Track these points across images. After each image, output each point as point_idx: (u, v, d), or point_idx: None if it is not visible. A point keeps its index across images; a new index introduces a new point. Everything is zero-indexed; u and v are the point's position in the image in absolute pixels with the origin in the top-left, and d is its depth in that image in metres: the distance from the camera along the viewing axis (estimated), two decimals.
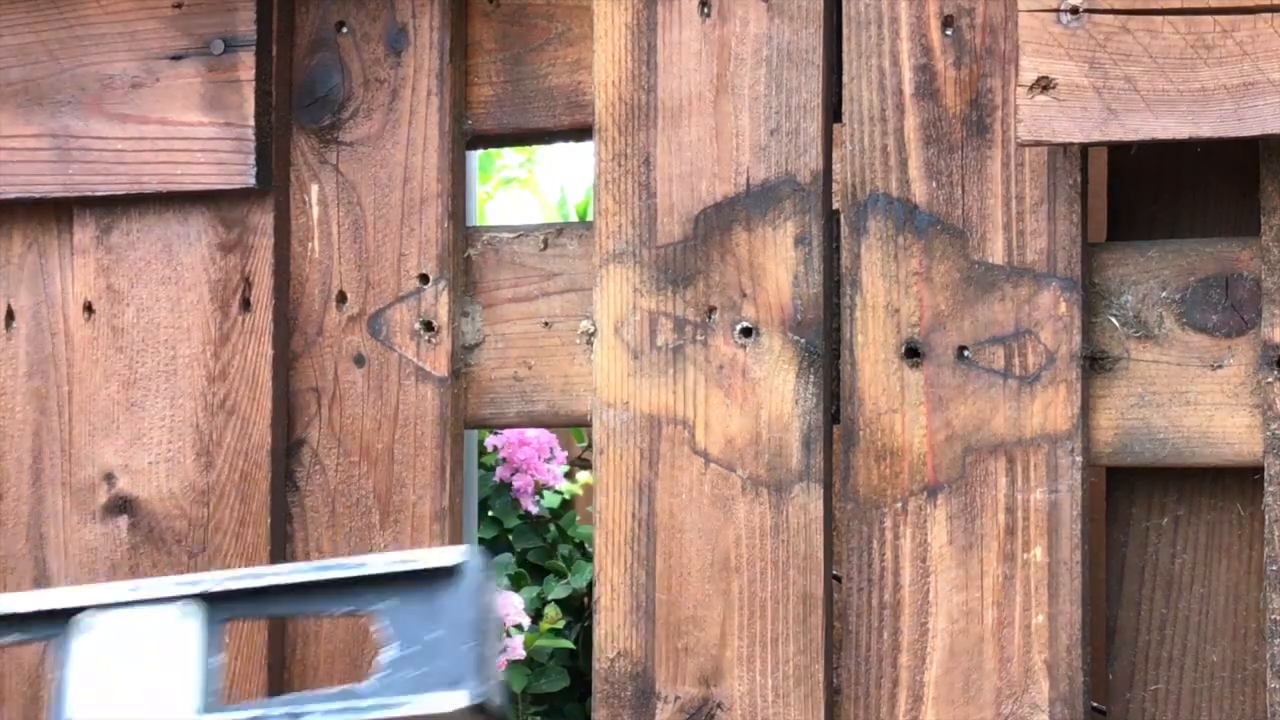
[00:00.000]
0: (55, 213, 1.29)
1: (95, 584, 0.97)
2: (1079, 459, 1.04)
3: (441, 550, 0.91)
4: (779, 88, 1.11)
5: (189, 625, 0.89)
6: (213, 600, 0.90)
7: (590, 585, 2.39)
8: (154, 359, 1.25)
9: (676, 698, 1.11)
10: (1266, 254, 1.01)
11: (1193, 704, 1.08)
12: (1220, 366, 1.03)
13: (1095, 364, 1.05)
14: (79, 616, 0.89)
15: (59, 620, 0.90)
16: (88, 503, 1.26)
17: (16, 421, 1.30)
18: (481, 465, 2.84)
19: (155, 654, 0.89)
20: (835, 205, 1.12)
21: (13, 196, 1.28)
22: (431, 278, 1.19)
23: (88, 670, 0.89)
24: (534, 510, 2.88)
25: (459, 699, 0.89)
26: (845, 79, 1.09)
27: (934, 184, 1.07)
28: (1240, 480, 1.05)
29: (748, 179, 1.11)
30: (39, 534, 1.28)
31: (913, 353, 1.07)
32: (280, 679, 1.23)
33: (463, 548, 0.90)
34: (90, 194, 1.25)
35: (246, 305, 1.23)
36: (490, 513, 2.87)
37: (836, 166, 1.11)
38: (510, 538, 2.88)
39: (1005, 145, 1.06)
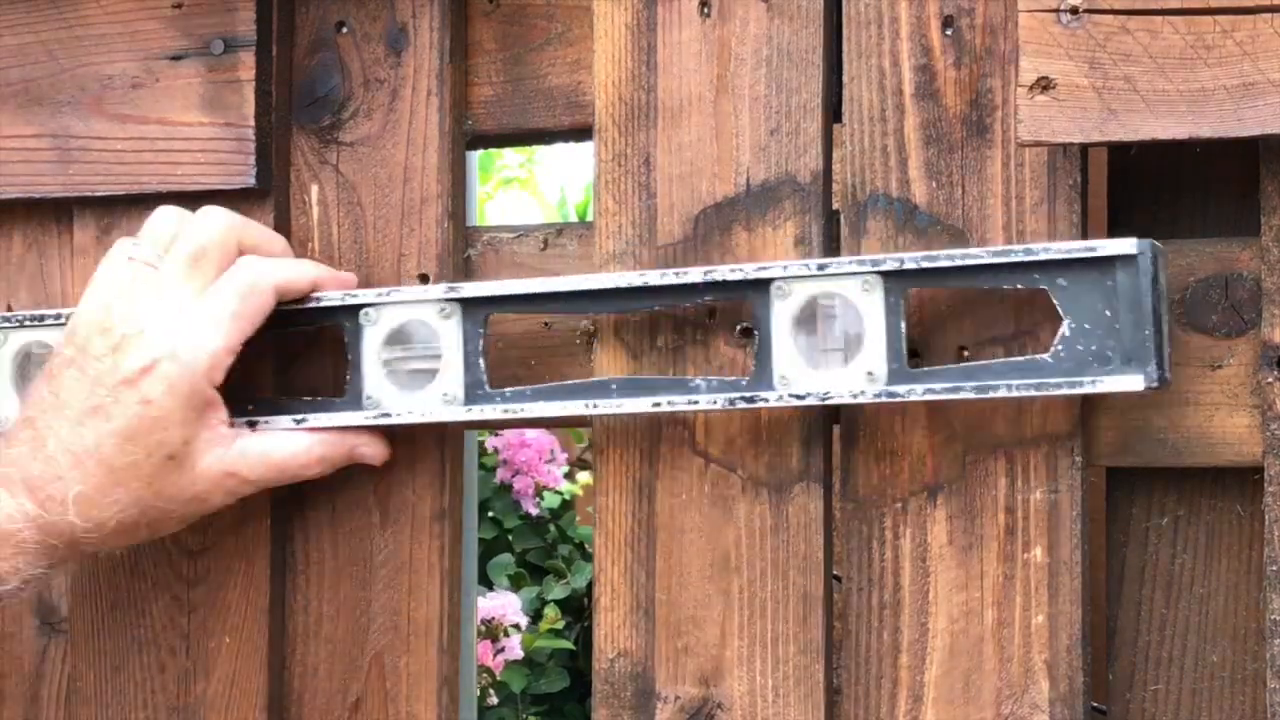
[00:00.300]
0: (55, 213, 1.29)
1: (780, 260, 1.09)
2: (1079, 459, 1.04)
3: (1117, 240, 0.99)
4: (779, 88, 1.11)
5: (873, 296, 1.03)
6: (891, 276, 1.03)
7: (590, 586, 2.39)
8: None
9: (676, 698, 1.11)
10: (1266, 254, 1.01)
11: (1193, 704, 1.08)
12: (1220, 367, 1.03)
13: None
14: (773, 285, 1.05)
15: (760, 287, 1.06)
16: None
17: None
18: (482, 466, 2.84)
19: (844, 319, 1.05)
20: (835, 205, 1.12)
21: (13, 197, 1.28)
22: (431, 277, 1.19)
23: (783, 332, 1.05)
24: (534, 511, 2.89)
25: (1138, 381, 0.98)
26: (845, 79, 1.09)
27: (934, 184, 1.07)
28: (1240, 481, 1.05)
29: (748, 179, 1.11)
30: None
31: (913, 353, 1.07)
32: (280, 679, 1.23)
33: (1135, 240, 0.98)
34: (90, 194, 1.25)
35: None
36: (490, 513, 2.88)
37: (836, 167, 1.11)
38: (510, 538, 2.88)
39: (1005, 145, 1.06)
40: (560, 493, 2.97)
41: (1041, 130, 0.99)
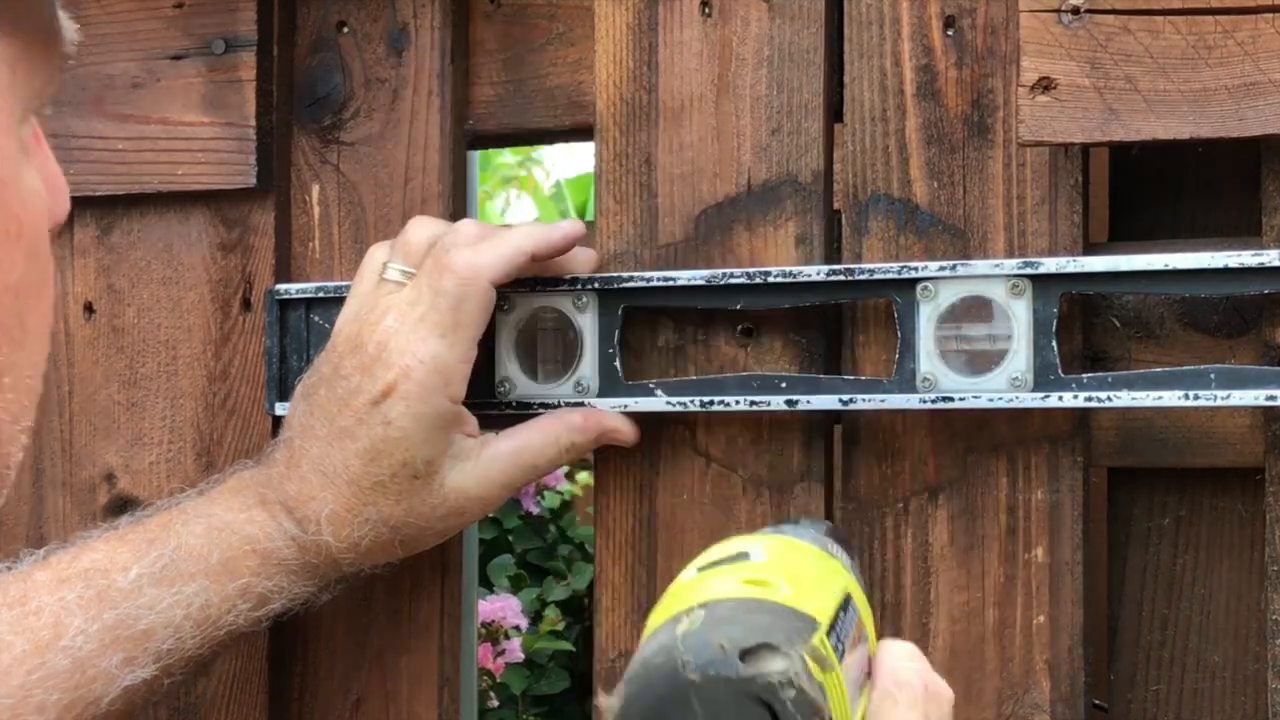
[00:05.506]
0: None
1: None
2: (1080, 459, 1.04)
3: None
4: (780, 88, 1.11)
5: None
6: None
7: (590, 586, 2.39)
8: (155, 359, 1.25)
9: None
10: None
11: (1194, 704, 1.08)
12: None
13: (1096, 364, 1.05)
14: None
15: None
16: (88, 503, 1.26)
17: None
18: None
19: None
20: (836, 205, 1.12)
21: None
22: None
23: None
24: (534, 511, 2.88)
25: None
26: (846, 79, 1.09)
27: (935, 184, 1.07)
28: (1242, 480, 1.05)
29: (749, 179, 1.11)
30: (39, 534, 1.28)
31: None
32: (282, 678, 1.23)
33: None
34: (91, 194, 1.25)
35: (247, 305, 1.23)
36: (491, 513, 2.88)
37: (838, 167, 1.11)
38: (510, 538, 2.88)
39: (1006, 146, 1.06)
40: (560, 493, 2.97)
41: (1043, 130, 0.99)
